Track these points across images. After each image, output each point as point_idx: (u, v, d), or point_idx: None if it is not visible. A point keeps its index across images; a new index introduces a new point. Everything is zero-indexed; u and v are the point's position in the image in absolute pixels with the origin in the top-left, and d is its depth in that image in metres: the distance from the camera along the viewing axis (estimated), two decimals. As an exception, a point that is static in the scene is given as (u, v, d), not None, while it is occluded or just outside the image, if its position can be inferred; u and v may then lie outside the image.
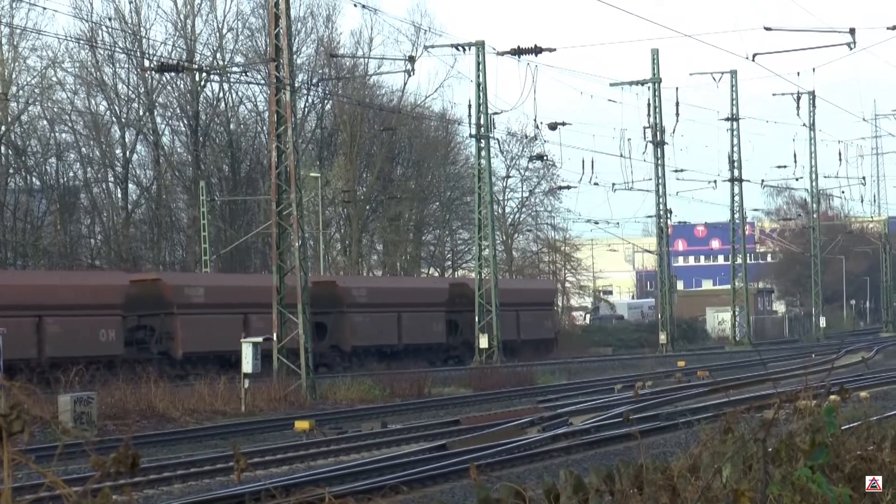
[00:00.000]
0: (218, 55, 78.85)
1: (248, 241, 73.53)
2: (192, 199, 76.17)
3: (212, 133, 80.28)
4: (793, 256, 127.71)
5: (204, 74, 74.62)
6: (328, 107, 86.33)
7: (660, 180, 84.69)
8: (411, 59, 61.87)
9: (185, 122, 79.01)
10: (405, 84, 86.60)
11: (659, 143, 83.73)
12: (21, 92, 74.02)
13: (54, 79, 75.43)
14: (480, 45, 67.42)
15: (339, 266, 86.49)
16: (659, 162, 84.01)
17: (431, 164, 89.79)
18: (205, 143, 79.36)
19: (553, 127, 70.28)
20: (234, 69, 75.03)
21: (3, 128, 72.37)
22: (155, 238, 78.05)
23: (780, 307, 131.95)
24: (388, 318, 64.70)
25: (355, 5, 56.38)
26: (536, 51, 62.95)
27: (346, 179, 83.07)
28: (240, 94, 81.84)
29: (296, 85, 49.75)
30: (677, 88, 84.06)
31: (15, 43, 73.59)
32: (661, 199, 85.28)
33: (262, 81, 68.02)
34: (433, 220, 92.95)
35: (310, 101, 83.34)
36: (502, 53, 64.19)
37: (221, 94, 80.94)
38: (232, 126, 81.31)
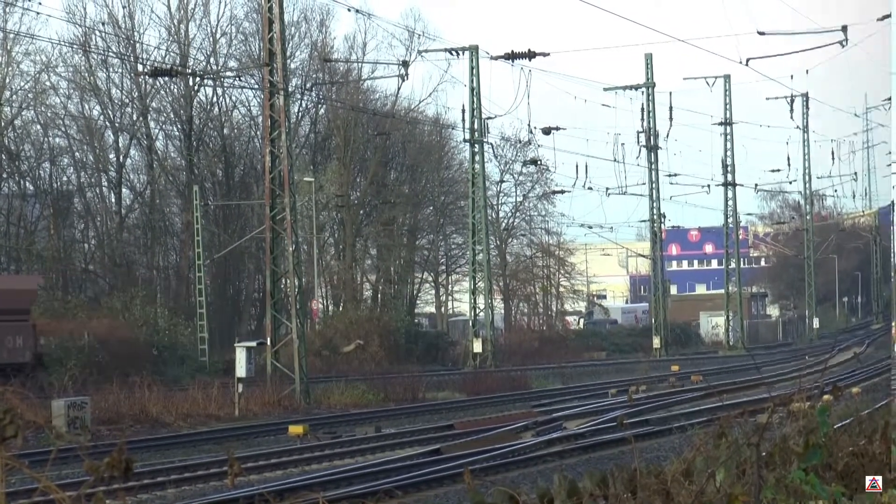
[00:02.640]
0: (211, 60, 78.77)
1: (241, 246, 73.36)
2: (185, 203, 76.04)
3: (205, 137, 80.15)
4: (786, 260, 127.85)
5: (197, 79, 74.56)
6: (322, 111, 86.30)
7: (653, 185, 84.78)
8: (405, 64, 61.86)
9: (179, 126, 78.88)
10: (399, 88, 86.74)
11: (652, 148, 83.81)
12: (14, 96, 73.98)
13: (48, 83, 75.35)
14: (474, 50, 67.47)
15: (332, 271, 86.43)
16: (653, 166, 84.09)
17: (425, 169, 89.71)
18: (198, 148, 79.23)
19: (547, 131, 70.31)
20: (228, 74, 74.97)
21: (-3, 132, 72.33)
22: (148, 243, 77.94)
23: (773, 311, 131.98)
24: None
25: (349, 10, 56.62)
26: (530, 55, 63.00)
27: (339, 184, 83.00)
28: (233, 98, 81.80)
29: (289, 89, 49.73)
30: (671, 93, 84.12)
31: (8, 47, 73.54)
32: (654, 204, 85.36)
33: (256, 86, 68.01)
34: (427, 224, 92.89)
35: (303, 105, 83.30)
36: (496, 58, 64.22)
37: (215, 99, 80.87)
38: (226, 130, 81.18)
